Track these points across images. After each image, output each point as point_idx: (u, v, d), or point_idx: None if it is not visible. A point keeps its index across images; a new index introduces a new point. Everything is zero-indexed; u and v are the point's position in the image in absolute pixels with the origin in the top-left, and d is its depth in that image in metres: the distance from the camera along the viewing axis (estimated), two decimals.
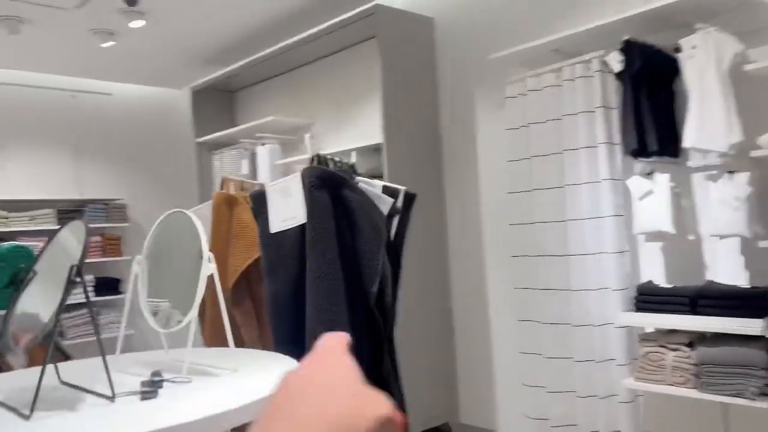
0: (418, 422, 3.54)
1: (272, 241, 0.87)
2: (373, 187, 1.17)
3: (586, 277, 2.90)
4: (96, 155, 5.63)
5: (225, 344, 1.12)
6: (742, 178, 2.44)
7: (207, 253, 0.93)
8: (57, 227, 4.88)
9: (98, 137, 5.64)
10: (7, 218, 4.96)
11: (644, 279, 2.89)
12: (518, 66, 3.31)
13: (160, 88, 5.95)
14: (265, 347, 1.33)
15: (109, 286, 5.34)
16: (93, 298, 5.27)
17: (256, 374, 0.99)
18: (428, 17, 3.89)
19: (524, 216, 3.17)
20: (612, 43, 2.77)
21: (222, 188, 1.53)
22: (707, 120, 2.44)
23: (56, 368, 1.03)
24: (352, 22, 3.85)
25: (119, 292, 5.45)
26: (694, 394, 2.52)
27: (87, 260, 4.24)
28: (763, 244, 2.35)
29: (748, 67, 2.40)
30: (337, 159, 1.29)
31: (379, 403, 0.35)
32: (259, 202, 1.13)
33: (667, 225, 2.65)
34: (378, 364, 1.06)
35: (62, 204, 5.26)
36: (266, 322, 1.09)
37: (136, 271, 1.04)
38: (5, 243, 2.41)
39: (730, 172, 2.49)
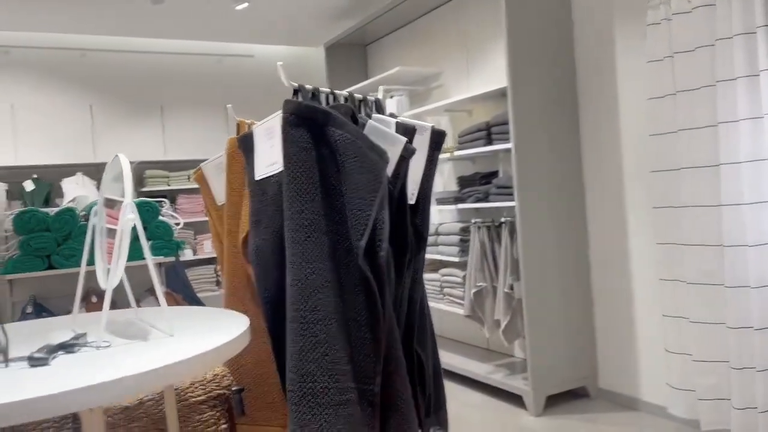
0: (553, 384, 3.34)
1: (257, 190, 0.78)
2: (386, 124, 1.02)
3: (743, 230, 2.47)
4: (243, 115, 5.94)
5: (244, 303, 1.07)
6: None
7: (128, 200, 0.85)
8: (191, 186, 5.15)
9: (244, 99, 5.93)
10: (168, 177, 5.43)
11: None
12: None
13: (296, 47, 6.09)
14: None
15: None
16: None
17: (186, 340, 0.89)
18: None
19: (668, 161, 2.77)
20: None
21: (237, 133, 1.46)
22: None
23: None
24: None
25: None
26: None
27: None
28: None
29: None
30: (335, 92, 1.13)
31: None
32: (246, 145, 1.03)
33: None
34: (373, 334, 0.92)
35: None
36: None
37: (93, 223, 0.99)
38: (135, 199, 2.59)
39: None
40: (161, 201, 2.68)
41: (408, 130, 1.00)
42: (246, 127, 1.50)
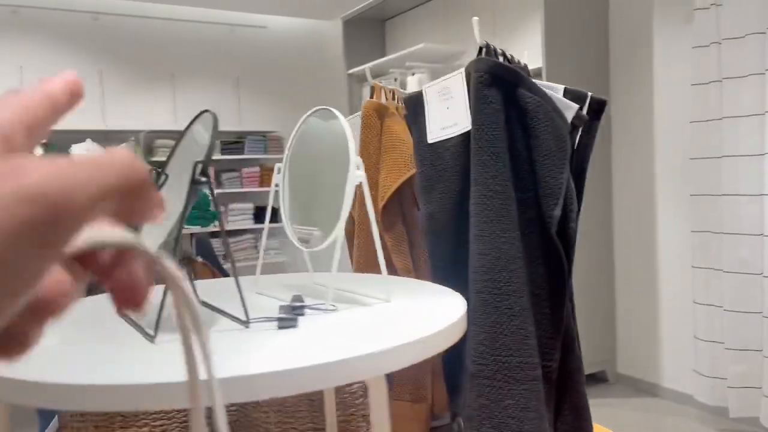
0: None
1: (429, 154, 0.73)
2: (554, 90, 0.98)
3: None
4: (254, 88, 5.83)
5: (376, 272, 1.02)
6: None
7: (354, 159, 0.80)
8: (223, 157, 5.10)
9: (256, 70, 5.82)
10: None
11: None
12: None
13: (312, 20, 5.97)
14: (417, 276, 1.20)
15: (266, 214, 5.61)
16: (251, 226, 5.58)
17: (413, 307, 0.83)
18: None
19: (710, 149, 2.75)
20: None
21: (372, 96, 1.41)
22: None
23: (193, 286, 0.97)
24: None
25: (275, 221, 5.72)
26: None
27: (246, 189, 4.40)
28: None
29: None
30: (509, 54, 1.09)
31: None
32: (414, 107, 0.98)
33: None
34: (559, 307, 0.89)
35: (225, 135, 5.55)
36: (420, 248, 0.97)
37: (277, 181, 0.94)
38: None
39: None
40: None
41: (579, 97, 0.96)
42: (380, 91, 1.44)
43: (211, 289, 1.07)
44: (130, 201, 0.22)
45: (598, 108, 0.96)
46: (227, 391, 0.58)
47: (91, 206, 0.20)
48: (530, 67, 3.40)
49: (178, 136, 0.87)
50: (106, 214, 0.21)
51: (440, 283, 0.86)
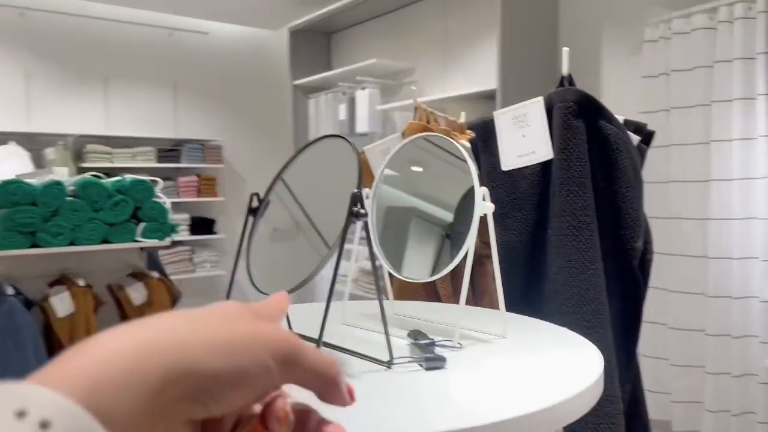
0: None
1: (504, 181, 0.71)
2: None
3: (729, 244, 2.62)
4: (193, 95, 5.64)
5: (413, 298, 0.99)
6: None
7: (480, 188, 0.76)
8: (158, 165, 4.86)
9: (195, 77, 5.63)
10: (110, 154, 5.06)
11: None
12: (659, 6, 2.97)
13: (256, 28, 5.86)
14: (456, 302, 1.15)
15: (203, 226, 5.41)
16: (187, 237, 5.37)
17: (532, 342, 0.78)
18: None
19: (657, 175, 2.88)
20: None
21: (415, 118, 1.37)
22: None
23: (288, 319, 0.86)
24: None
25: (213, 232, 5.52)
26: None
27: (182, 199, 4.21)
28: None
29: None
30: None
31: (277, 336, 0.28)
32: (484, 133, 0.96)
33: None
34: (633, 340, 0.90)
35: (161, 143, 5.32)
36: (460, 274, 0.94)
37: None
38: (128, 176, 2.38)
39: None
40: (155, 180, 2.48)
41: (640, 128, 0.96)
42: (425, 113, 1.40)
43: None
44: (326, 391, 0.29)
45: (649, 138, 0.98)
46: None
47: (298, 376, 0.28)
48: (484, 88, 3.49)
49: (291, 157, 0.77)
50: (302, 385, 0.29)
51: (511, 311, 0.84)
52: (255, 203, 0.77)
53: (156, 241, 2.34)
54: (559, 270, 0.85)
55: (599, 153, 0.88)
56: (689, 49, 2.74)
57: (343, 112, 4.59)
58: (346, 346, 0.65)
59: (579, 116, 0.87)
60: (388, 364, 0.67)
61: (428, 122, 1.35)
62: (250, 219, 0.78)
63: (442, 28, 4.25)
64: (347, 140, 0.72)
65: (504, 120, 0.94)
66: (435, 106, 4.27)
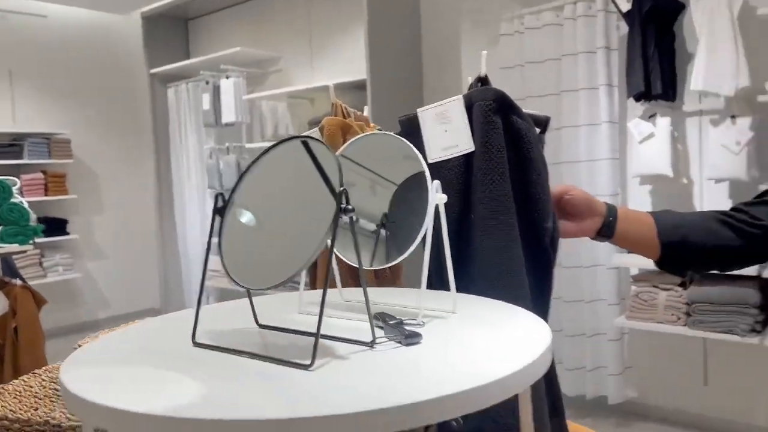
0: None
1: (431, 172, 0.77)
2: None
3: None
4: (33, 84, 5.13)
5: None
6: (745, 122, 2.48)
7: (435, 182, 0.80)
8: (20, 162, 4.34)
9: (34, 64, 5.13)
10: None
11: None
12: (513, 2, 3.21)
13: (101, 12, 5.44)
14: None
15: (54, 226, 4.98)
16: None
17: (479, 315, 0.86)
18: None
19: None
20: None
21: (334, 114, 1.38)
22: (716, 63, 2.45)
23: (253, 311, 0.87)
24: None
25: (66, 233, 5.10)
26: (684, 331, 2.63)
27: (27, 199, 3.83)
28: (763, 186, 2.42)
29: (761, 11, 2.40)
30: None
31: None
32: (410, 129, 1.01)
33: (666, 168, 2.69)
34: (546, 309, 1.00)
35: None
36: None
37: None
38: None
39: (733, 116, 2.54)
40: (11, 179, 2.28)
41: (540, 121, 1.05)
42: (341, 108, 1.38)
43: (235, 312, 0.93)
44: None
45: (545, 127, 1.10)
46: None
47: None
48: (354, 79, 3.56)
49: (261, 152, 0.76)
50: None
51: (440, 290, 0.92)
52: (220, 203, 0.77)
53: (17, 246, 2.15)
54: (486, 251, 0.95)
55: (513, 145, 0.98)
56: (540, 43, 3.01)
57: (207, 101, 4.44)
58: (322, 333, 0.69)
59: (497, 112, 0.97)
60: (371, 344, 0.72)
61: (345, 117, 1.38)
62: (217, 220, 0.78)
63: (307, 18, 4.26)
64: (320, 141, 0.74)
65: (427, 116, 1.01)
66: (303, 95, 4.29)
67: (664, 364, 2.99)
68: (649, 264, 2.78)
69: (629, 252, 1.49)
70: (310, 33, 4.25)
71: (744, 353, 2.73)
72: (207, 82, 4.46)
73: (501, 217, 0.95)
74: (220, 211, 0.76)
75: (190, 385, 0.65)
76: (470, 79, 1.17)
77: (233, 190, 0.76)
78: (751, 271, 2.42)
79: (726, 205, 2.76)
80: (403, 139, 0.86)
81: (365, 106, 1.67)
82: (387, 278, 1.21)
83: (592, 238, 1.14)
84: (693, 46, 2.66)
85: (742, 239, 1.03)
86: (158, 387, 0.65)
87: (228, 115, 4.31)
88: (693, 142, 2.82)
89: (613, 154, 2.86)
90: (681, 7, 2.73)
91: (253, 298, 0.87)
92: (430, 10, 3.70)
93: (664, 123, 2.70)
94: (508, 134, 0.98)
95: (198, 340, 0.78)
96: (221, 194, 0.74)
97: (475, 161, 0.97)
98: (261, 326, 0.84)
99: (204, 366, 0.71)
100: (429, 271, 0.81)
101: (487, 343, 0.73)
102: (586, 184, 2.88)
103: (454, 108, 0.98)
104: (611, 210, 1.11)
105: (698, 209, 2.84)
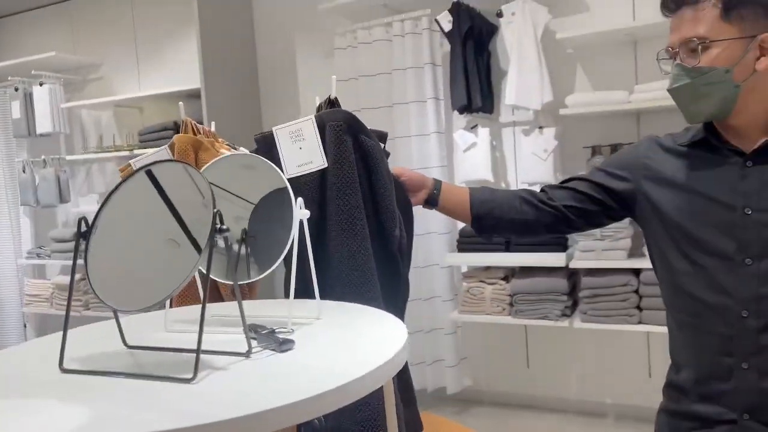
0: None
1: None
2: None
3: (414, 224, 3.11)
4: None
5: (196, 302, 0.99)
6: (551, 132, 2.83)
7: (299, 199, 0.82)
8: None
9: None
10: None
11: (462, 224, 3.22)
12: (346, 18, 3.34)
13: None
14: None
15: None
16: None
17: (342, 320, 0.94)
18: None
19: None
20: (438, 3, 2.95)
21: (184, 130, 1.32)
22: (525, 80, 2.76)
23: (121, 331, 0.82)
24: None
25: None
26: (509, 320, 2.93)
27: None
28: None
29: (558, 35, 2.76)
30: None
31: None
32: (266, 146, 1.03)
33: (487, 174, 2.97)
34: (400, 311, 1.06)
35: None
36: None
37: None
38: None
39: (540, 127, 2.88)
40: None
41: (382, 136, 1.09)
42: (191, 125, 1.29)
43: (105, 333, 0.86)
44: None
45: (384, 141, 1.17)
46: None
47: None
48: (188, 87, 3.46)
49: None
50: None
51: (301, 297, 0.95)
52: (84, 227, 0.74)
53: None
54: (342, 259, 1.01)
55: (362, 161, 1.06)
56: (372, 58, 3.16)
57: (17, 109, 4.03)
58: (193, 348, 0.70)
59: (347, 132, 1.04)
60: (247, 354, 0.74)
61: (195, 133, 1.36)
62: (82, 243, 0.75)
63: (131, 22, 4.05)
64: (190, 165, 0.75)
65: (282, 134, 1.05)
66: (130, 104, 4.06)
67: (493, 352, 3.28)
68: (476, 261, 3.01)
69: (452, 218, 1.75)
70: (135, 38, 4.05)
71: (557, 335, 3.10)
72: (16, 89, 4.05)
73: (354, 227, 1.03)
74: (83, 235, 0.74)
75: (68, 410, 0.63)
76: (318, 100, 1.24)
77: (97, 214, 0.75)
78: (559, 262, 2.76)
79: None
80: (263, 158, 0.90)
81: (212, 122, 1.66)
82: (245, 293, 1.23)
83: (423, 207, 1.38)
84: (506, 64, 2.97)
85: (537, 214, 1.29)
86: (31, 416, 0.63)
87: (43, 125, 3.95)
88: (509, 151, 3.14)
89: (442, 162, 3.09)
90: (495, 29, 3.04)
91: (110, 321, 0.85)
92: (264, 19, 3.72)
93: (484, 133, 2.98)
94: (357, 152, 1.06)
95: (66, 366, 0.75)
96: (84, 218, 0.73)
97: (328, 176, 1.04)
98: (130, 347, 0.83)
99: (79, 390, 0.69)
100: (290, 281, 0.86)
101: (352, 344, 0.80)
102: None
103: (308, 127, 1.04)
104: (437, 184, 1.36)
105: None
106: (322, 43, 3.49)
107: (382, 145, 1.12)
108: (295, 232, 0.84)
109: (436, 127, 3.07)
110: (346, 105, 3.25)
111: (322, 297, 0.99)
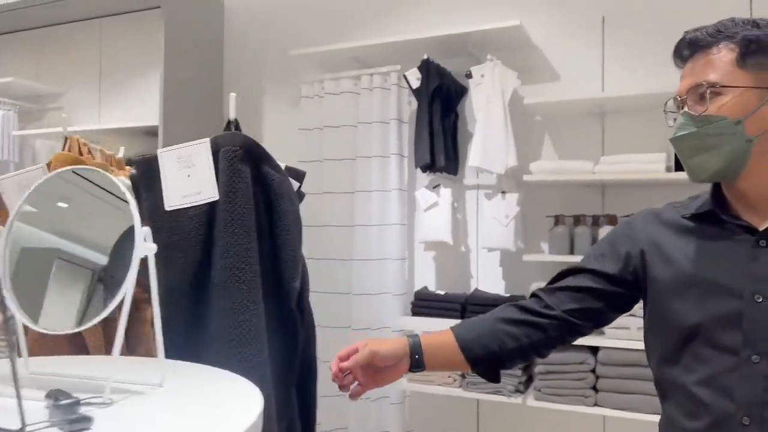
0: None
1: (168, 221, 0.67)
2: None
3: (368, 281, 2.97)
4: None
5: (56, 353, 0.82)
6: (513, 198, 2.75)
7: (141, 229, 0.67)
8: None
9: None
10: None
11: (418, 286, 3.08)
12: (315, 67, 3.29)
13: None
14: (108, 353, 1.01)
15: None
16: None
17: (191, 388, 0.72)
18: None
19: (312, 218, 3.13)
20: (409, 59, 2.91)
21: (67, 149, 1.18)
22: (490, 144, 2.69)
23: None
24: None
25: None
26: (460, 392, 2.75)
27: None
28: (527, 257, 2.67)
29: (526, 101, 2.72)
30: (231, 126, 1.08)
31: None
32: (147, 171, 0.88)
33: (447, 236, 2.85)
34: (291, 376, 0.90)
35: None
36: (113, 324, 0.83)
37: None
38: None
39: (503, 192, 2.79)
40: None
41: (299, 175, 0.97)
42: (77, 143, 1.15)
43: None
44: None
45: (301, 180, 1.05)
46: None
47: None
48: (146, 124, 3.33)
49: None
50: None
51: (173, 358, 0.77)
52: None
53: None
54: (222, 312, 0.86)
55: (263, 197, 0.92)
56: (338, 109, 3.09)
57: None
58: None
59: (244, 160, 0.90)
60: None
61: (81, 154, 1.22)
62: None
63: (98, 56, 3.95)
64: None
65: (168, 159, 0.91)
66: (89, 138, 3.91)
67: (442, 426, 3.08)
68: (430, 326, 2.83)
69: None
70: (100, 72, 3.94)
71: (510, 412, 2.92)
72: None
73: (241, 275, 0.87)
74: None
75: None
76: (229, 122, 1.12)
77: None
78: None
79: (498, 272, 3.00)
80: (118, 180, 0.76)
81: (121, 147, 1.53)
82: (97, 345, 1.05)
83: (410, 372, 1.16)
84: (474, 126, 2.91)
85: (539, 331, 1.10)
86: None
87: None
88: (471, 214, 3.05)
89: (401, 220, 2.98)
90: (464, 90, 3.00)
91: None
92: (235, 64, 3.65)
93: (446, 194, 2.89)
94: (258, 185, 0.92)
95: None
96: None
97: (218, 211, 0.89)
98: None
99: None
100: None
101: (186, 422, 0.63)
102: (377, 248, 2.96)
103: (201, 152, 0.91)
104: (414, 346, 1.13)
105: (475, 275, 3.05)
106: (291, 91, 3.42)
107: (297, 185, 0.99)
108: (133, 272, 0.69)
109: (398, 184, 2.97)
110: (309, 154, 3.15)
111: (199, 356, 0.83)
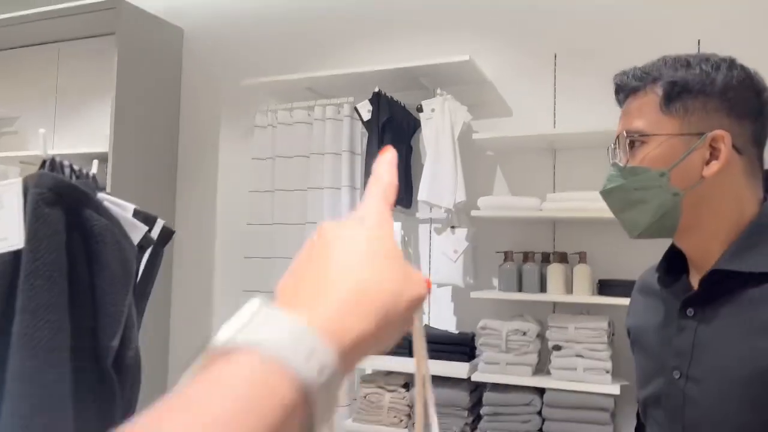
0: None
1: None
2: (122, 209, 0.94)
3: None
4: None
5: None
6: (462, 233, 2.70)
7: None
8: None
9: None
10: None
11: None
12: (269, 96, 3.25)
13: None
14: None
15: None
16: None
17: None
18: (178, 27, 3.62)
19: (263, 250, 3.06)
20: (363, 91, 2.88)
21: None
22: (439, 178, 2.66)
23: None
24: (81, 13, 3.38)
25: None
26: None
27: None
28: (474, 294, 2.62)
29: (475, 136, 2.69)
30: (76, 167, 1.02)
31: (419, 285, 0.40)
32: None
33: None
34: None
35: None
36: None
37: None
38: None
39: (452, 227, 2.75)
40: None
41: (149, 219, 0.90)
42: None
43: None
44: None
45: (166, 236, 0.98)
46: None
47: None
48: (96, 150, 3.26)
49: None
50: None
51: None
52: None
53: None
54: (15, 378, 0.77)
55: (83, 245, 0.84)
56: (291, 139, 3.04)
57: None
58: None
59: (54, 204, 0.83)
60: None
61: None
62: None
63: (54, 81, 3.89)
64: None
65: None
66: (38, 161, 3.83)
67: None
68: (376, 365, 2.74)
69: None
70: (56, 97, 3.87)
71: None
72: None
73: (37, 334, 0.79)
74: None
75: None
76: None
77: None
78: (461, 374, 2.55)
79: (449, 308, 2.94)
80: None
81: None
82: None
83: None
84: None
85: None
86: None
87: None
88: (423, 248, 3.00)
89: None
90: (418, 123, 2.97)
91: None
92: (192, 92, 3.61)
93: (396, 227, 2.83)
94: (77, 231, 0.85)
95: None
96: None
97: (22, 261, 0.82)
98: None
99: None
100: None
101: None
102: None
103: (10, 193, 0.84)
104: None
105: (426, 312, 2.98)
106: (246, 120, 3.38)
107: (144, 229, 0.92)
108: None
109: (350, 215, 2.91)
110: (261, 184, 3.09)
111: None
